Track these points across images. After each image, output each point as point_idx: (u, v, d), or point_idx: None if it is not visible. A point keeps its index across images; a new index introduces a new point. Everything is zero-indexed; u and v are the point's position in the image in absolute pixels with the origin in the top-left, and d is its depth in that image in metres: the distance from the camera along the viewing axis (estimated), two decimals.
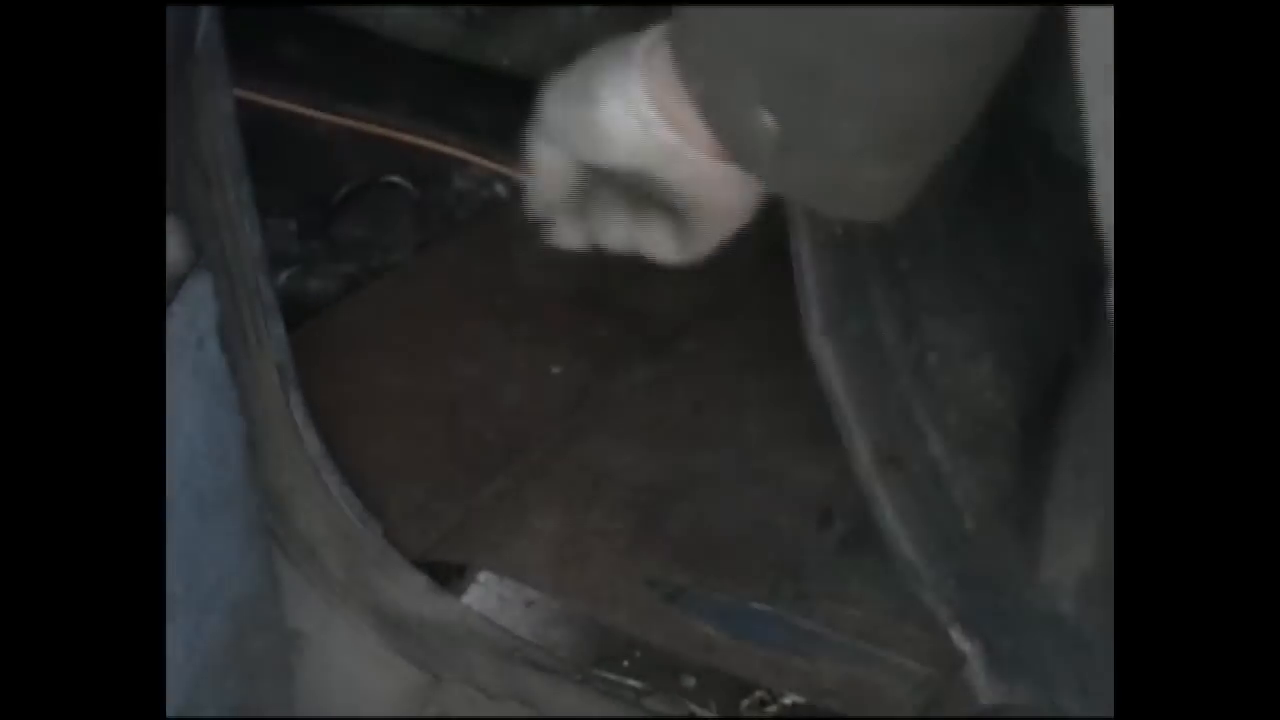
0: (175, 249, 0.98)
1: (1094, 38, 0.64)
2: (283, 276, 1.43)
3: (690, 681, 1.19)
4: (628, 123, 0.87)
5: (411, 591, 1.21)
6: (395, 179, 1.55)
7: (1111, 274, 0.63)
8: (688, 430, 1.31)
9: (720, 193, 0.89)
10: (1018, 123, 1.01)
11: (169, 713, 0.99)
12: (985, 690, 1.04)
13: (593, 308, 1.43)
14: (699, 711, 1.18)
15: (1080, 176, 0.69)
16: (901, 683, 1.13)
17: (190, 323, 0.99)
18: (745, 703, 1.18)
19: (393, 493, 1.24)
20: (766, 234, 1.56)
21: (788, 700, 1.18)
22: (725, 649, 1.15)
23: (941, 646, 1.15)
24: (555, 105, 0.91)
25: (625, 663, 1.20)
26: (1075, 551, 1.04)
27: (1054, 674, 1.05)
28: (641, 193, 0.92)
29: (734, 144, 0.83)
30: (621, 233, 0.95)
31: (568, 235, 0.98)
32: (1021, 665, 1.05)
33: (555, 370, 1.37)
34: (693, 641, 1.16)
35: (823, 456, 1.27)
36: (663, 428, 1.28)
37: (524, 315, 1.41)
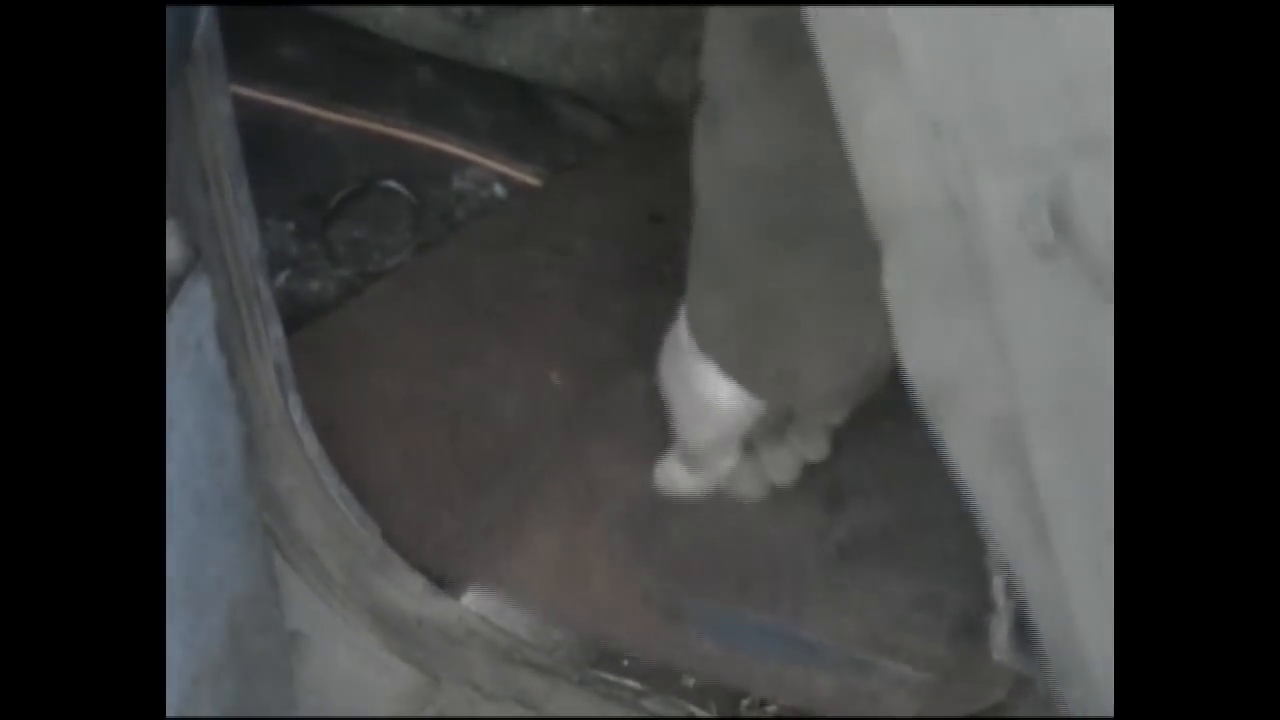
0: (174, 250, 0.98)
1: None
2: (281, 278, 1.43)
3: (689, 682, 1.18)
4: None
5: (410, 592, 1.21)
6: (392, 184, 1.55)
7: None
8: None
9: None
10: None
11: (167, 713, 0.99)
12: (1004, 651, 1.01)
13: (592, 314, 1.42)
14: (697, 712, 1.18)
15: None
16: (898, 689, 1.13)
17: (189, 324, 0.99)
18: (744, 703, 1.18)
19: (391, 504, 1.24)
20: None
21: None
22: (724, 663, 1.15)
23: (940, 653, 1.14)
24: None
25: (624, 663, 1.20)
26: None
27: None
28: None
29: None
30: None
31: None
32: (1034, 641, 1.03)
33: (554, 379, 1.36)
34: (692, 657, 1.16)
35: (822, 464, 1.27)
36: (661, 438, 1.28)
37: (524, 321, 1.40)
